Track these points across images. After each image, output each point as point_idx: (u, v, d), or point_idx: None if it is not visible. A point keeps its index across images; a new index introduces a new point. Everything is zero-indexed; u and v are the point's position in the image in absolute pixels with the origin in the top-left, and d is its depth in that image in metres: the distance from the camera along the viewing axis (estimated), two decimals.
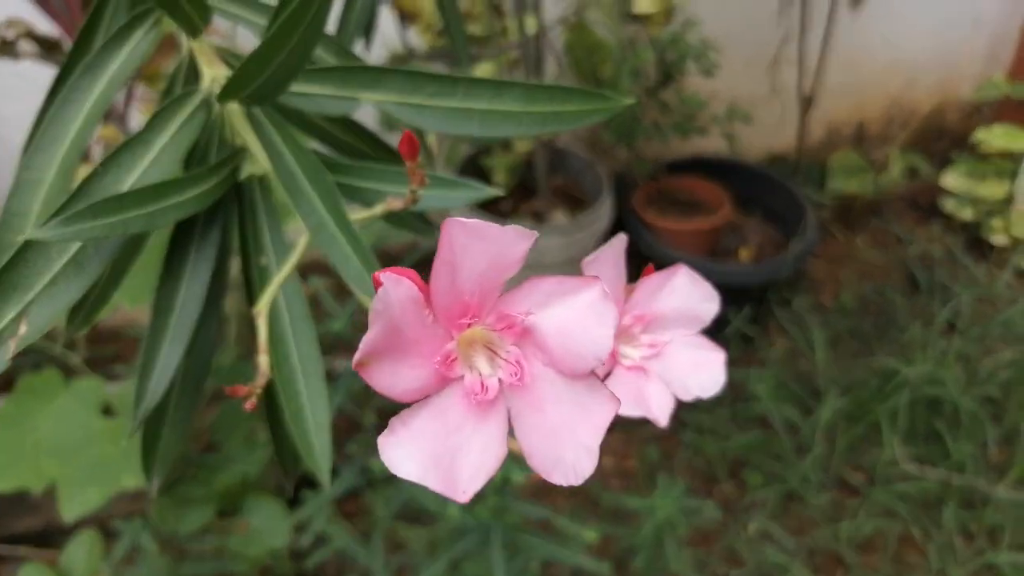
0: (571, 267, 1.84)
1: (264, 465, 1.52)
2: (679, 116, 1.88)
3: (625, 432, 1.91)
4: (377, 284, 0.23)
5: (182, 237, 0.39)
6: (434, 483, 0.23)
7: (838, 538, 1.63)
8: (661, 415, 0.35)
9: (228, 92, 0.37)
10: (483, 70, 1.60)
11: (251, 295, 0.41)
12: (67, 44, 1.45)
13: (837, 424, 1.77)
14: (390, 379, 0.23)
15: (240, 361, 1.40)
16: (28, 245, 0.33)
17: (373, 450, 1.22)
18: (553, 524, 1.09)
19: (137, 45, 0.41)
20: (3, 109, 1.82)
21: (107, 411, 1.45)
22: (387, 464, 0.23)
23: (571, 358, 0.26)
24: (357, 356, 0.22)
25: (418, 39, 1.55)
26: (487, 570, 1.03)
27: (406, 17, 1.32)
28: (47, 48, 1.38)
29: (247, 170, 0.39)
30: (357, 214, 0.37)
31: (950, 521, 1.60)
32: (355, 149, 0.44)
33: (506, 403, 0.26)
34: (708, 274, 1.57)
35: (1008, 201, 2.15)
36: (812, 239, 1.95)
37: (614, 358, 0.36)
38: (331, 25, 0.60)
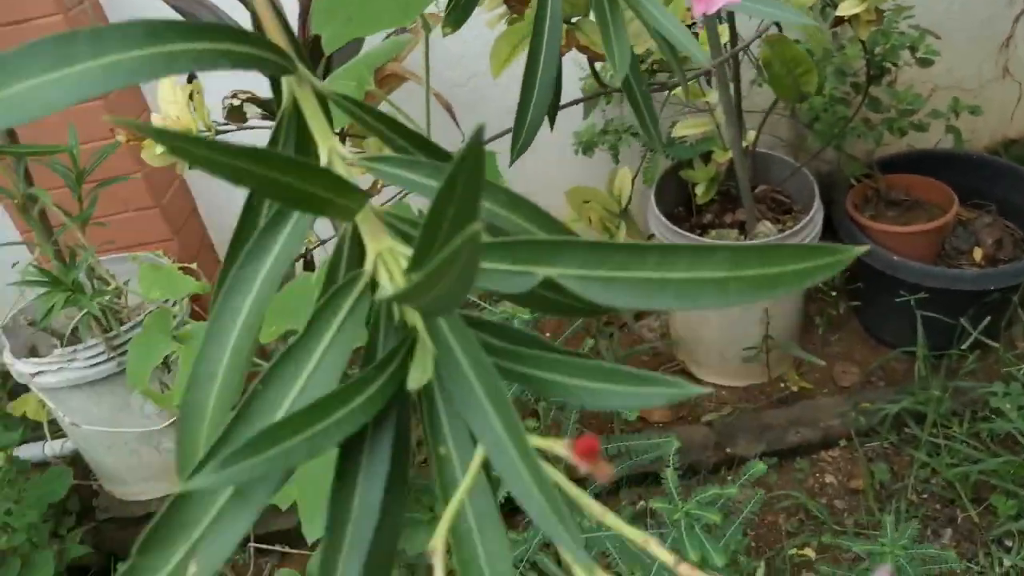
0: None
1: None
2: (894, 113, 1.66)
3: (849, 450, 1.72)
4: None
5: (351, 443, 0.34)
6: None
7: None
8: None
9: (402, 300, 0.31)
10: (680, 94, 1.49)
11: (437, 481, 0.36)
12: None
13: None
14: None
15: None
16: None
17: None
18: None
19: (289, 238, 0.36)
20: None
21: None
22: None
23: None
24: None
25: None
26: None
27: (592, 57, 1.24)
28: (268, 109, 1.43)
29: (415, 378, 0.33)
30: (538, 440, 0.30)
31: None
32: (549, 302, 0.37)
33: None
34: (938, 279, 1.37)
35: None
36: None
37: None
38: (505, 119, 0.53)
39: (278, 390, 0.32)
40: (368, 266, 0.34)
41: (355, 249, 0.36)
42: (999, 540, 1.50)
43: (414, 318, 0.34)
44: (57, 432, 1.97)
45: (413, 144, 0.40)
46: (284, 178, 0.29)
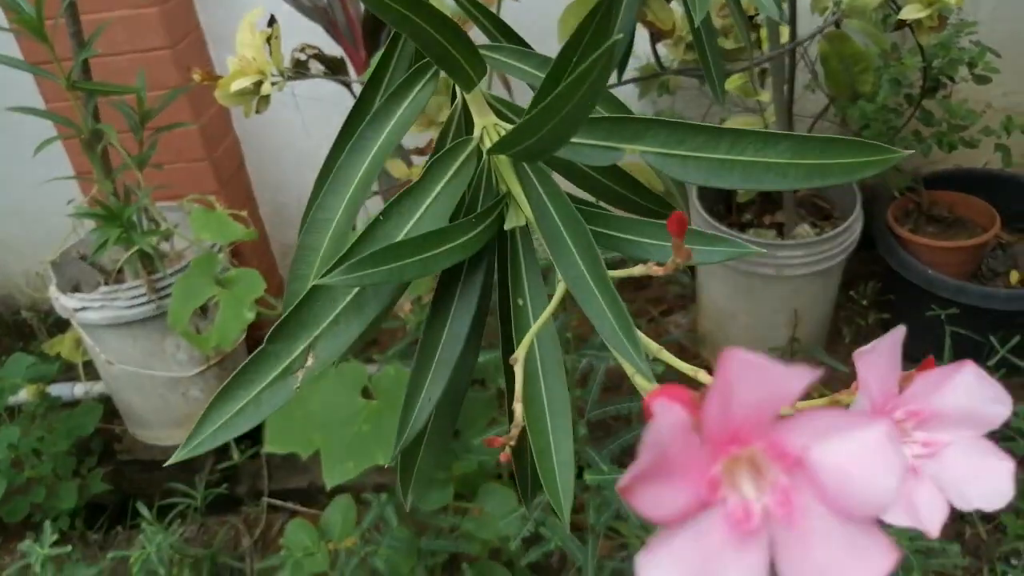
0: (816, 280, 1.73)
1: (498, 456, 1.57)
2: (945, 127, 1.70)
3: None
4: (648, 412, 0.22)
5: (448, 279, 0.40)
6: None
7: None
8: (932, 524, 0.30)
9: (498, 148, 0.37)
10: (732, 82, 1.54)
11: (506, 332, 0.42)
12: (348, 65, 1.58)
13: None
14: (653, 503, 0.22)
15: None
16: (316, 288, 0.36)
17: (585, 459, 1.22)
18: None
19: (417, 96, 0.42)
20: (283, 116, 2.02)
21: (366, 394, 1.56)
22: None
23: (847, 500, 0.23)
24: (624, 481, 0.21)
25: (668, 52, 1.52)
26: None
27: (656, 33, 1.29)
28: (331, 67, 1.51)
29: (511, 221, 0.39)
30: (616, 271, 0.36)
31: None
32: (618, 194, 0.43)
33: (769, 535, 0.24)
34: (969, 296, 1.41)
35: None
36: None
37: None
38: None
39: (395, 222, 0.38)
40: (476, 134, 0.40)
41: (463, 123, 0.42)
42: (1006, 557, 1.53)
43: (510, 180, 0.40)
44: (90, 375, 2.05)
45: (508, 40, 0.46)
46: (437, 32, 0.35)
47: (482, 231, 0.39)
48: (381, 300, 0.38)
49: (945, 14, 1.35)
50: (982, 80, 1.63)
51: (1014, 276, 1.81)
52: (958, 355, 1.66)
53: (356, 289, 0.37)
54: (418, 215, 0.39)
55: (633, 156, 0.40)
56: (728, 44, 1.40)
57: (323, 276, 0.35)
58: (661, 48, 1.48)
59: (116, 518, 1.98)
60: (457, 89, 0.43)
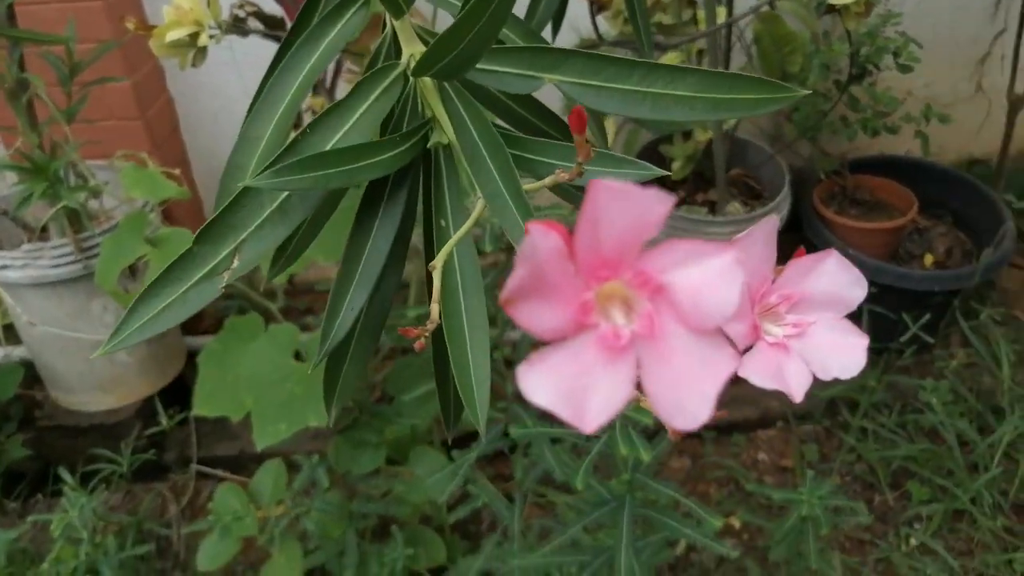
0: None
1: (431, 420, 1.59)
2: (870, 113, 1.78)
3: (784, 431, 1.84)
4: (526, 232, 0.24)
5: (373, 196, 0.43)
6: (564, 411, 0.25)
7: (1013, 568, 1.51)
8: (797, 390, 0.36)
9: (422, 67, 0.40)
10: (669, 59, 1.58)
11: (429, 254, 0.44)
12: (288, 24, 1.57)
13: (1019, 446, 1.62)
14: (532, 318, 0.25)
15: (416, 321, 1.47)
16: (244, 192, 0.38)
17: (512, 417, 1.25)
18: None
19: (347, 23, 0.44)
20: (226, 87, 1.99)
21: (298, 356, 1.57)
22: (523, 391, 0.25)
23: (699, 315, 0.27)
24: (504, 294, 0.24)
25: (607, 25, 1.56)
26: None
27: (596, 4, 1.33)
28: (271, 26, 1.50)
29: (434, 139, 0.42)
30: (528, 184, 0.39)
31: None
32: (536, 127, 0.46)
33: (635, 353, 0.27)
34: (887, 276, 1.48)
35: None
36: (1008, 249, 1.79)
37: (757, 333, 0.36)
38: (521, 10, 0.62)
39: (322, 135, 0.40)
40: (403, 60, 0.42)
41: (393, 51, 0.44)
42: (910, 522, 1.63)
43: (434, 103, 0.42)
44: (10, 339, 2.00)
45: None
46: None
47: (407, 149, 0.41)
48: (307, 206, 0.39)
49: (872, 1, 1.42)
50: (905, 69, 1.71)
51: (928, 259, 1.90)
52: (875, 332, 1.74)
53: (283, 195, 0.39)
54: (344, 130, 0.41)
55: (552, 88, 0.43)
56: (667, 20, 1.44)
57: (252, 177, 0.36)
58: (601, 20, 1.52)
59: (36, 486, 1.95)
60: (389, 20, 0.45)
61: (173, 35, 1.11)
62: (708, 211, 1.85)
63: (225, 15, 1.36)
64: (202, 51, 1.17)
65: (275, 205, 0.39)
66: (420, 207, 0.44)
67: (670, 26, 1.50)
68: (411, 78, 0.42)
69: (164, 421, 1.90)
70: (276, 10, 1.55)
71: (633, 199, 0.25)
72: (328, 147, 0.40)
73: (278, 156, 0.38)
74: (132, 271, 1.73)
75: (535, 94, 0.47)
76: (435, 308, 0.36)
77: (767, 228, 0.34)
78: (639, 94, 0.41)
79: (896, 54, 1.72)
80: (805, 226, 1.91)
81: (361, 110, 0.41)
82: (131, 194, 1.56)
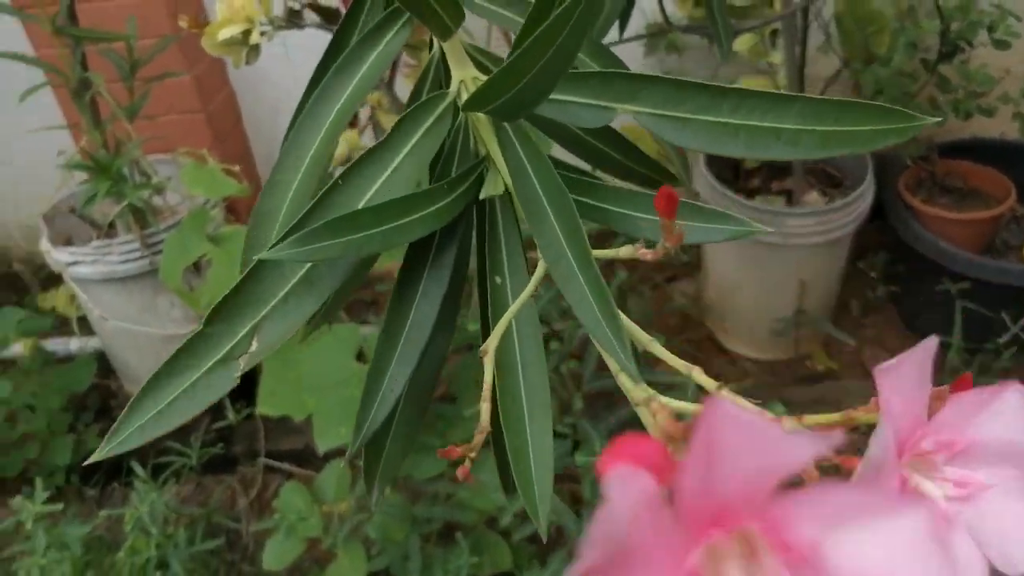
0: (825, 250, 1.67)
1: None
2: (961, 93, 1.63)
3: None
4: (602, 476, 0.16)
5: (417, 253, 0.36)
6: None
7: None
8: None
9: (475, 102, 0.33)
10: (743, 43, 1.48)
11: (484, 316, 0.38)
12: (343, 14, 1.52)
13: None
14: None
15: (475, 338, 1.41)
16: (261, 263, 0.32)
17: (580, 435, 1.19)
18: None
19: (390, 42, 0.38)
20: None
21: (360, 357, 1.53)
22: None
23: None
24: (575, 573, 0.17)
25: (675, 8, 1.46)
26: None
27: None
28: (328, 18, 1.44)
29: (488, 189, 0.35)
30: (600, 251, 0.32)
31: None
32: (611, 159, 0.39)
33: None
34: (982, 270, 1.35)
35: None
36: None
37: (904, 490, 0.27)
38: None
39: (357, 186, 0.34)
40: (452, 88, 0.36)
41: (439, 75, 0.38)
42: None
43: (489, 142, 0.35)
44: (84, 330, 2.02)
45: None
46: None
47: (455, 199, 0.34)
48: (337, 276, 0.33)
49: None
50: (1002, 45, 1.56)
51: None
52: (969, 331, 1.62)
53: (308, 264, 0.33)
54: (382, 179, 0.34)
55: (628, 117, 0.36)
56: (739, 1, 1.34)
57: (269, 250, 0.30)
58: (668, 4, 1.42)
59: (112, 475, 1.97)
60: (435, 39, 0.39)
61: (225, 34, 1.06)
62: (785, 201, 1.74)
63: (278, 10, 1.31)
64: (255, 49, 1.12)
65: (299, 275, 0.32)
66: (473, 261, 0.37)
67: (743, 7, 1.40)
68: (461, 112, 0.36)
69: (231, 415, 1.89)
70: (333, 2, 1.50)
71: (765, 440, 0.17)
72: (363, 202, 0.34)
73: (302, 218, 0.32)
74: (196, 268, 1.72)
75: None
76: (485, 410, 0.30)
77: (922, 354, 0.25)
78: (731, 127, 0.34)
79: (991, 29, 1.57)
80: (890, 216, 1.78)
81: (403, 153, 0.35)
82: (192, 192, 1.54)
